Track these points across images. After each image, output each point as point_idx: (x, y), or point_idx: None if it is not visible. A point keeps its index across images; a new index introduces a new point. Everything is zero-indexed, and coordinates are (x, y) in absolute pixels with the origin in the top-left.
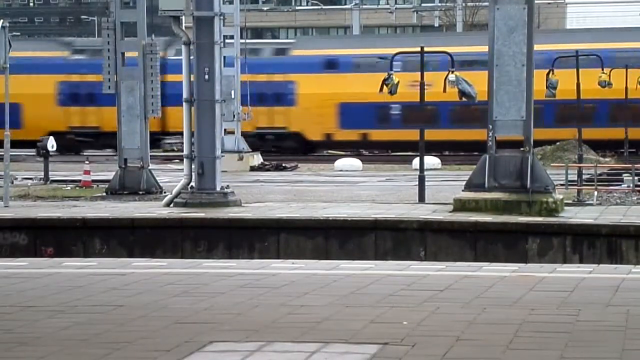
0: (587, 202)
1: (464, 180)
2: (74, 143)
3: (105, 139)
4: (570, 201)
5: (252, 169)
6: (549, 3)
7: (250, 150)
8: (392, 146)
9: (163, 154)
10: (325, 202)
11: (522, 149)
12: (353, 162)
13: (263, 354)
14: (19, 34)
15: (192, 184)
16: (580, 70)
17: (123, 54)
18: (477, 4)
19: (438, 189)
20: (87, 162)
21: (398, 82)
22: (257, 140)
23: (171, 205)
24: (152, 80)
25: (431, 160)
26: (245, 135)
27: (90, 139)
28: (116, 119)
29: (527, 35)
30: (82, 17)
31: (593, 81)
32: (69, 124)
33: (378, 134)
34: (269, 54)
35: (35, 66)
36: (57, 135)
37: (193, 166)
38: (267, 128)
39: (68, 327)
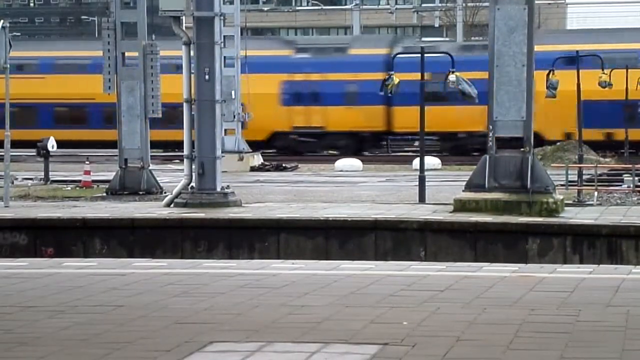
0: (588, 202)
1: (464, 180)
2: (297, 143)
3: (329, 140)
4: (570, 201)
5: (252, 169)
6: (549, 3)
7: (250, 150)
8: None
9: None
10: (326, 203)
11: (522, 149)
12: (353, 162)
13: (263, 354)
14: (19, 34)
15: (193, 184)
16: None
17: (123, 54)
18: (477, 4)
19: (438, 189)
20: (87, 162)
21: (399, 82)
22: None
23: (171, 205)
24: (152, 80)
25: (431, 161)
26: (476, 134)
27: (314, 140)
28: (342, 119)
29: (527, 36)
30: (83, 17)
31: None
32: (293, 124)
33: (625, 134)
34: None
35: (259, 65)
36: (280, 135)
37: (193, 166)
38: None
39: (68, 327)
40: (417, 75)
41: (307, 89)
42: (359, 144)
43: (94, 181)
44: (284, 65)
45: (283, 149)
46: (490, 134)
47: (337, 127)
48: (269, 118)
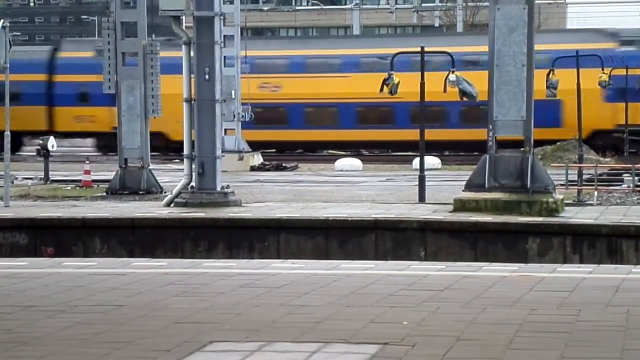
0: (588, 202)
1: (464, 180)
2: (621, 142)
3: None
4: (570, 201)
5: (252, 169)
6: (549, 3)
7: (250, 150)
8: None
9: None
10: (325, 202)
11: (522, 149)
12: (353, 162)
13: (263, 353)
14: (19, 33)
15: (193, 183)
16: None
17: (123, 54)
18: (477, 4)
19: (438, 189)
20: (87, 162)
21: (398, 82)
22: None
23: (171, 205)
24: (152, 80)
25: (431, 160)
26: None
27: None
28: None
29: (527, 35)
30: (82, 17)
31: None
32: (616, 122)
33: None
34: None
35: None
36: (601, 134)
37: (193, 166)
38: None
39: (68, 327)
40: None
41: (631, 83)
42: None
43: (94, 181)
44: (606, 60)
45: (604, 148)
46: (490, 134)
47: None
48: (590, 116)
